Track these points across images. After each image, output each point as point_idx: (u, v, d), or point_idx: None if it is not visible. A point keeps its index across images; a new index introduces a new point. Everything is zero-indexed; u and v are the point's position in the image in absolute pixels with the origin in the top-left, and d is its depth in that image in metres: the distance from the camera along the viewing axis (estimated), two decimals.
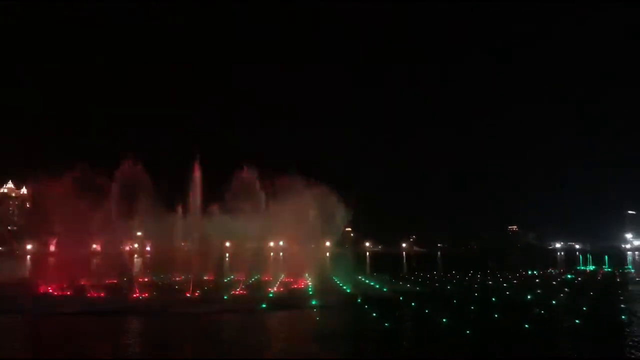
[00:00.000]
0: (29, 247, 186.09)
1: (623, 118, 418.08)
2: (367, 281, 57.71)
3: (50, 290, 44.47)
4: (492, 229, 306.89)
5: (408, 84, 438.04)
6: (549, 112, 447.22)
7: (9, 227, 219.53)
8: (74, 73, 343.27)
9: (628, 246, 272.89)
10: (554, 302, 40.13)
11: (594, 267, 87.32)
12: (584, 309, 36.06)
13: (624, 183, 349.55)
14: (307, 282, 51.67)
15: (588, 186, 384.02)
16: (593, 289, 49.63)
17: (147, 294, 41.94)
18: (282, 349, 25.32)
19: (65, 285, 46.09)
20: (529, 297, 42.87)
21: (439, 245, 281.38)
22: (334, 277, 58.57)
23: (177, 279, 58.50)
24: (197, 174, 69.01)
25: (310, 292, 44.66)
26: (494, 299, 41.50)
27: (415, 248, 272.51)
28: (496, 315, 33.25)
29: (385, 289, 48.79)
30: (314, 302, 38.48)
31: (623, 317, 33.25)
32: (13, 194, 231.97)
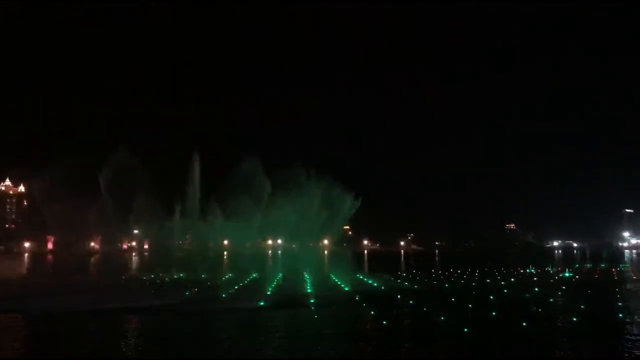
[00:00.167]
0: (26, 245, 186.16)
1: (623, 118, 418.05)
2: (365, 279, 57.76)
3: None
4: (491, 229, 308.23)
5: (408, 84, 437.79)
6: (549, 112, 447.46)
7: (6, 226, 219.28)
8: (74, 73, 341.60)
9: (625, 244, 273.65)
10: (551, 300, 40.22)
11: (590, 265, 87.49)
12: (582, 307, 36.12)
13: (622, 182, 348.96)
14: (305, 280, 51.68)
15: (586, 185, 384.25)
16: (591, 287, 49.73)
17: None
18: (280, 348, 25.29)
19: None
20: (526, 295, 42.94)
21: (437, 243, 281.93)
22: (332, 275, 58.66)
23: (176, 277, 58.58)
24: (197, 174, 69.12)
25: (309, 291, 44.68)
26: (492, 297, 41.56)
27: (414, 246, 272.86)
28: (494, 314, 33.29)
29: (383, 287, 48.84)
30: (311, 301, 38.50)
31: (620, 315, 33.30)
32: (11, 192, 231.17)
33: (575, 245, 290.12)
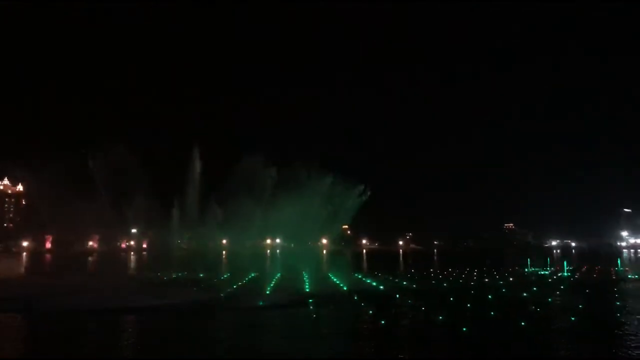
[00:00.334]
0: (25, 244, 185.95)
1: (622, 118, 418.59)
2: (363, 279, 57.83)
3: None
4: (491, 229, 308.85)
5: (408, 84, 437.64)
6: (549, 112, 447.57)
7: (5, 225, 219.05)
8: (74, 73, 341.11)
9: (624, 244, 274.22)
10: (549, 299, 40.31)
11: (586, 266, 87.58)
12: (580, 306, 36.23)
13: (622, 182, 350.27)
14: (304, 279, 51.73)
15: (585, 185, 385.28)
16: (589, 287, 49.84)
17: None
18: (280, 347, 25.33)
19: None
20: (524, 294, 43.03)
21: (435, 243, 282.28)
22: (330, 275, 58.72)
23: (174, 276, 58.59)
24: (197, 171, 69.15)
25: (307, 290, 44.73)
26: (490, 297, 41.64)
27: (412, 246, 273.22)
28: (492, 313, 33.36)
29: (381, 287, 48.90)
30: (310, 300, 38.55)
31: (618, 314, 33.40)
32: (9, 191, 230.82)
33: (573, 244, 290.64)
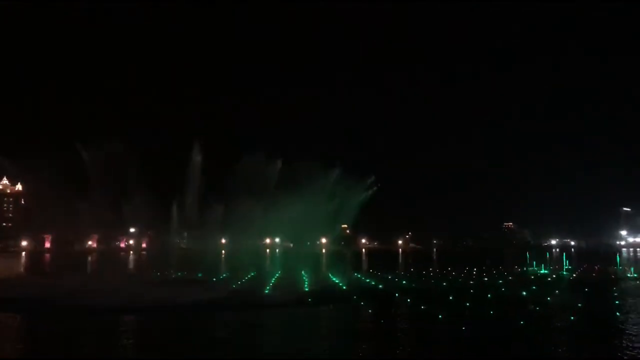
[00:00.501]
0: (24, 243, 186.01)
1: (622, 118, 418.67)
2: (363, 278, 57.83)
3: None
4: (491, 229, 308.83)
5: (408, 84, 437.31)
6: (549, 112, 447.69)
7: (4, 224, 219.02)
8: (74, 73, 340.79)
9: (623, 243, 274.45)
10: (549, 298, 40.34)
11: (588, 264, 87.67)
12: (579, 305, 36.26)
13: (621, 182, 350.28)
14: (303, 279, 51.74)
15: (585, 185, 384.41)
16: (588, 286, 49.90)
17: None
18: (279, 347, 25.33)
19: None
20: (524, 293, 43.07)
21: (434, 242, 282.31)
22: (330, 274, 58.75)
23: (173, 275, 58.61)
24: (197, 173, 69.06)
25: (307, 289, 44.74)
26: (489, 296, 41.66)
27: (412, 245, 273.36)
28: (492, 312, 33.38)
29: (381, 286, 48.89)
30: (309, 300, 38.56)
31: (617, 313, 33.45)
32: (8, 191, 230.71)
33: (572, 243, 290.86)
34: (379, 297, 41.37)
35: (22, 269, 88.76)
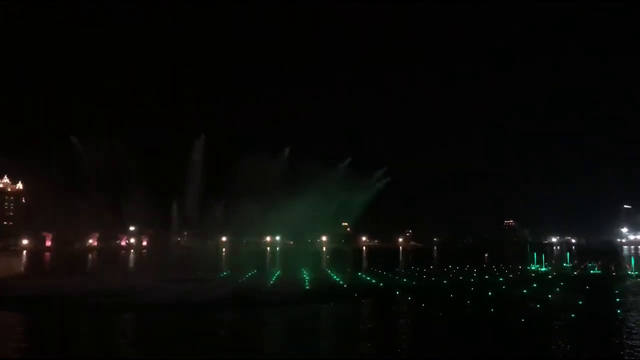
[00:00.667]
0: (25, 242, 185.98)
1: (622, 118, 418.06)
2: (363, 276, 57.79)
3: None
4: (491, 229, 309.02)
5: (408, 84, 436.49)
6: (549, 112, 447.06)
7: (4, 223, 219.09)
8: (74, 73, 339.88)
9: (623, 240, 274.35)
10: (549, 296, 40.29)
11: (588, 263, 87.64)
12: (580, 303, 36.21)
13: (621, 181, 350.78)
14: (304, 277, 51.72)
15: (585, 184, 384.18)
16: (588, 283, 49.86)
17: None
18: (279, 346, 25.29)
19: None
20: (524, 291, 43.03)
21: (435, 240, 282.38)
22: (330, 272, 58.75)
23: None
24: (197, 173, 69.05)
25: (307, 288, 44.71)
26: (490, 293, 41.62)
27: (412, 243, 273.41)
28: (492, 310, 33.34)
29: (381, 284, 48.85)
30: (309, 298, 38.53)
31: (618, 311, 33.41)
32: (9, 189, 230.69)
33: (573, 241, 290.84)
34: (380, 295, 41.34)
35: (22, 268, 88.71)
